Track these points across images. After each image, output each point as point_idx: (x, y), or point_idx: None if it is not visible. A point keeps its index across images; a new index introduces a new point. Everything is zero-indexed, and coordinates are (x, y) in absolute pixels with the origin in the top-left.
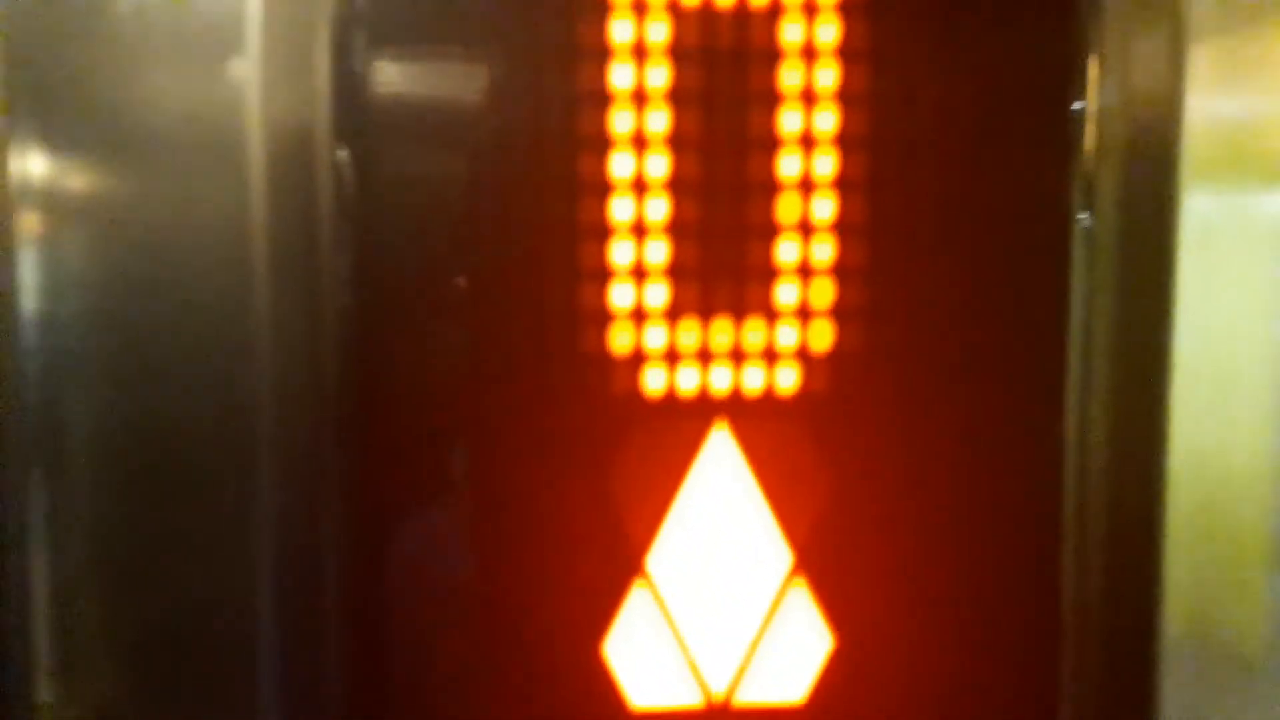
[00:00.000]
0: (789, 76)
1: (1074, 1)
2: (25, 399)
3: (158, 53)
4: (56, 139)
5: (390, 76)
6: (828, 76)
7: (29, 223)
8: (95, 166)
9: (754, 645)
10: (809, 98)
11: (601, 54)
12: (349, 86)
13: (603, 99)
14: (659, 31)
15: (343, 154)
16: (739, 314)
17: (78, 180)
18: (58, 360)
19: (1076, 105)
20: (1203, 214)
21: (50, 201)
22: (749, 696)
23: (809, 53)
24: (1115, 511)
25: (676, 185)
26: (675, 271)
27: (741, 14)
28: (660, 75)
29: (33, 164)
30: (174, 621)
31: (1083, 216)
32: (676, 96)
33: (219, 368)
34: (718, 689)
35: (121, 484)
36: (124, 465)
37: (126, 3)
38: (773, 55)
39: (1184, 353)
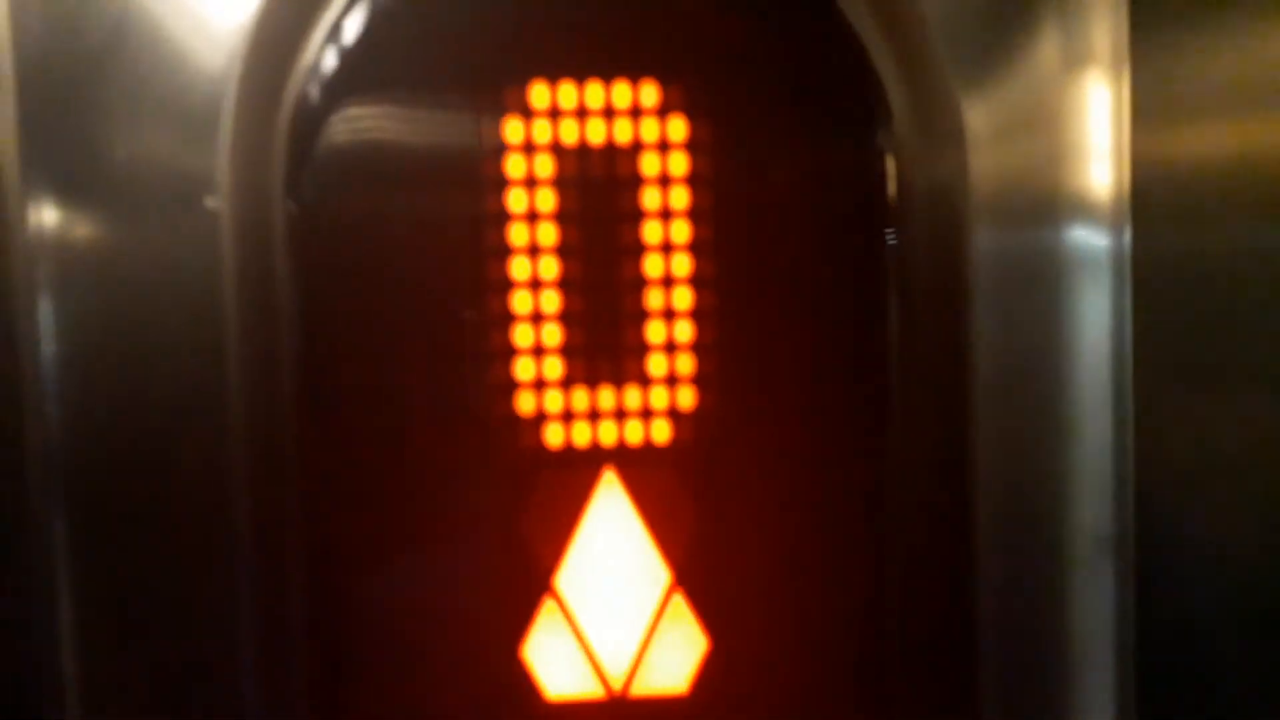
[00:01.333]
0: (649, 198)
1: (872, 114)
2: (47, 434)
3: (150, 116)
4: (65, 191)
5: (335, 143)
6: (680, 197)
7: (43, 268)
8: (96, 216)
9: (644, 645)
10: (666, 214)
11: (500, 183)
12: (300, 148)
13: (502, 218)
14: (545, 165)
15: (291, 206)
16: (619, 382)
17: (83, 229)
18: (65, 394)
19: (882, 213)
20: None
21: (60, 248)
22: (641, 687)
23: (664, 179)
24: (932, 519)
25: (565, 284)
26: (567, 350)
27: (610, 150)
28: (548, 198)
29: (46, 214)
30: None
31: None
32: (562, 215)
33: (198, 397)
34: (616, 682)
35: (101, 519)
36: (106, 495)
37: (124, 71)
38: (636, 181)
39: (989, 370)
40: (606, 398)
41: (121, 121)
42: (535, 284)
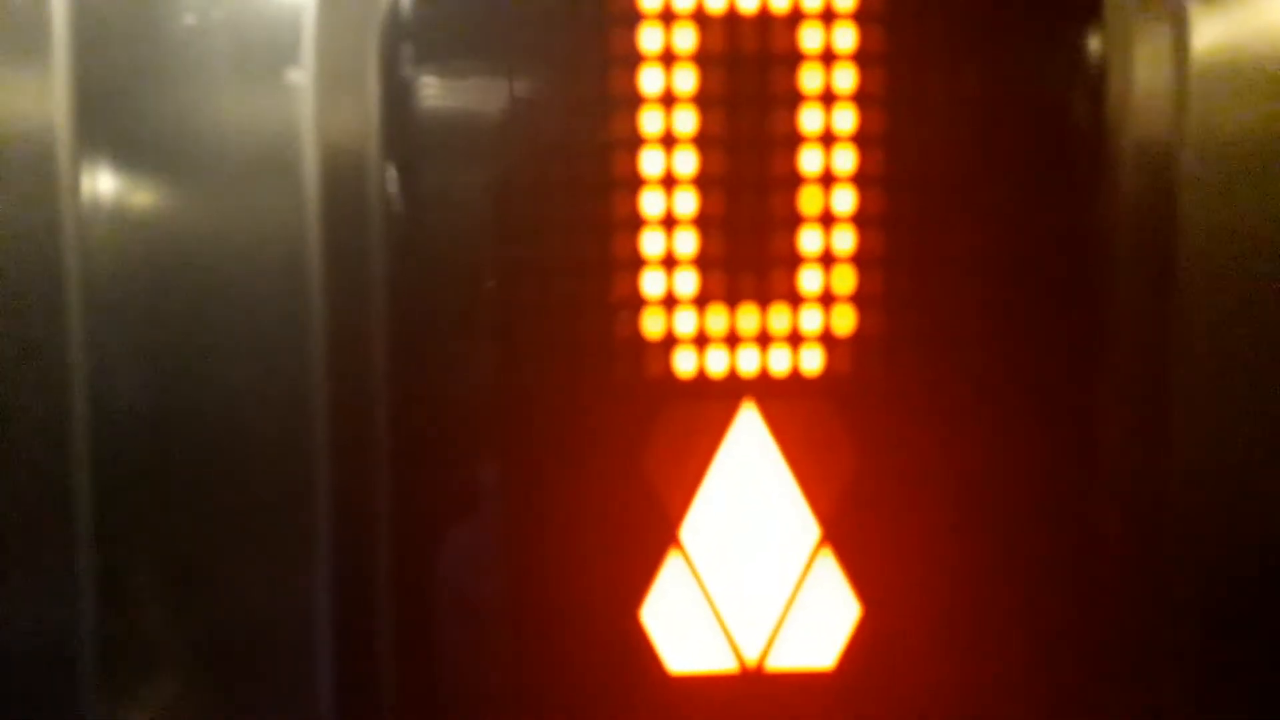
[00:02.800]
0: (809, 78)
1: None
2: (91, 404)
3: (219, 70)
4: (123, 154)
5: (434, 91)
6: (845, 79)
7: (98, 234)
8: (159, 180)
9: (784, 613)
10: (828, 98)
11: (633, 60)
12: (397, 103)
13: (634, 101)
14: (686, 38)
15: (391, 169)
16: (764, 300)
17: (143, 194)
18: (122, 366)
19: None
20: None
21: (118, 214)
22: (780, 661)
23: (827, 56)
24: (1131, 488)
25: (703, 181)
26: (703, 261)
27: (763, 20)
28: (688, 79)
29: (101, 179)
30: (232, 626)
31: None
32: (702, 99)
33: (277, 375)
34: (750, 654)
35: (179, 490)
36: (184, 471)
37: (189, 21)
38: (793, 58)
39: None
40: (748, 318)
41: (186, 77)
42: (668, 181)
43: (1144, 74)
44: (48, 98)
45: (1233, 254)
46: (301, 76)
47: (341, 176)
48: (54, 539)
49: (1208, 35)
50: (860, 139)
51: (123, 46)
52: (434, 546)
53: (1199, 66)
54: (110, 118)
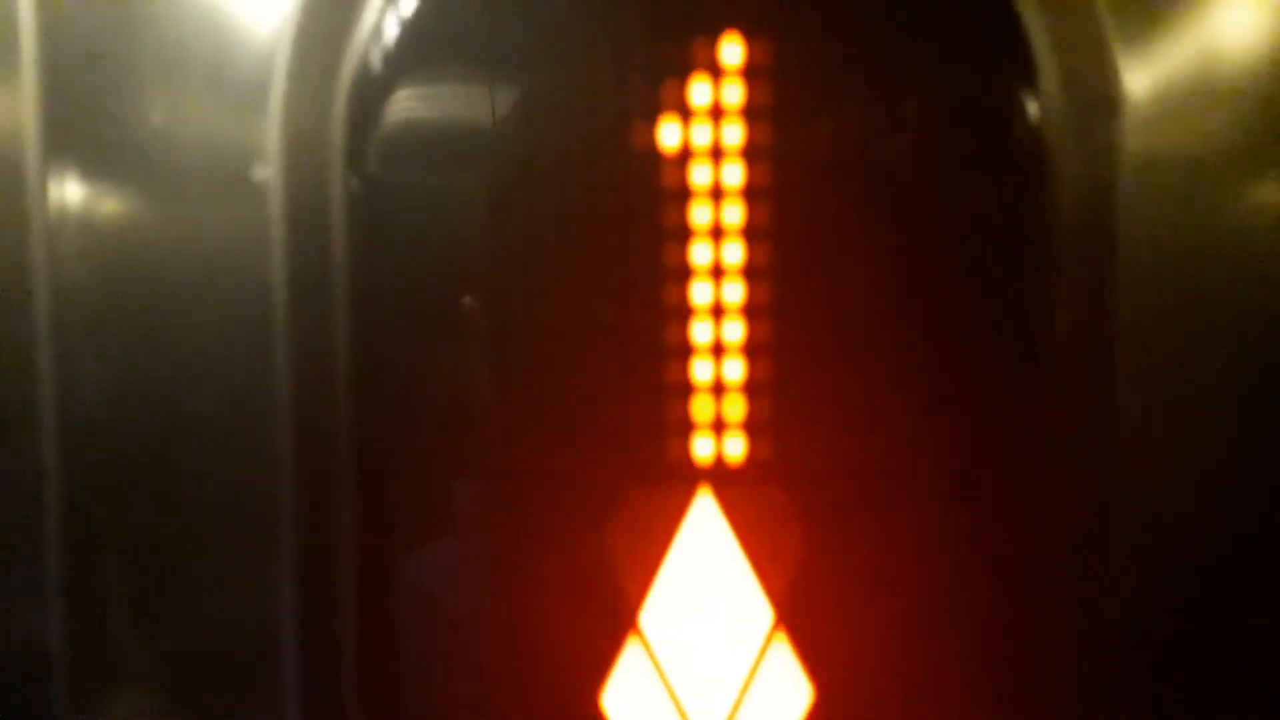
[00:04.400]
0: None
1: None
2: (59, 412)
3: (186, 81)
4: (91, 165)
5: (401, 105)
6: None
7: (66, 244)
8: (126, 191)
9: (740, 697)
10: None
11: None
12: (362, 118)
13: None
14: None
15: (355, 181)
16: (718, 390)
17: (110, 204)
18: (90, 375)
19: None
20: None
21: (86, 224)
22: None
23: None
24: (1079, 552)
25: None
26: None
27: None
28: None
29: (69, 189)
30: (199, 635)
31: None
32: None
33: (242, 385)
34: None
35: (146, 498)
36: (151, 479)
37: (156, 28)
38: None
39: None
40: (703, 407)
41: (158, 90)
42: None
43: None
44: (16, 109)
45: (1171, 271)
46: (270, 97)
47: (306, 187)
48: (23, 547)
49: (1140, 69)
50: (749, 232)
51: (91, 60)
52: (396, 571)
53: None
54: (78, 130)
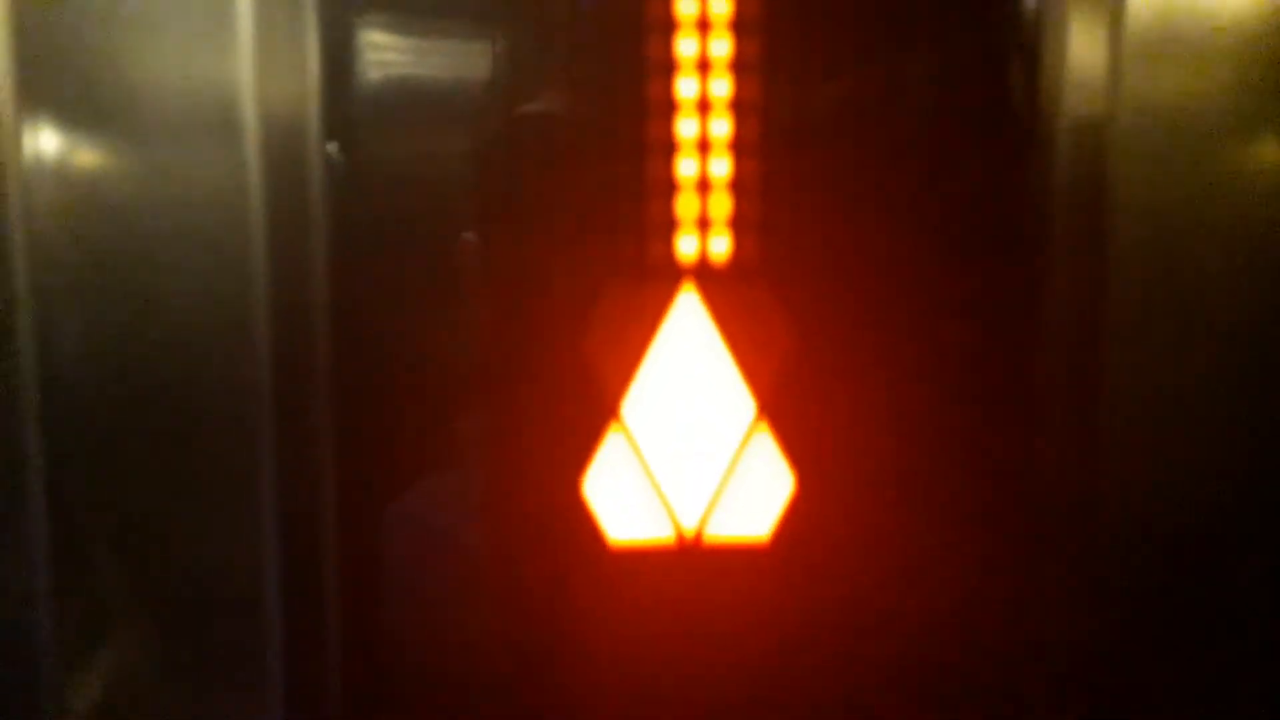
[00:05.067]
0: None
1: None
2: (39, 367)
3: (160, 36)
4: (66, 118)
5: (373, 53)
6: None
7: (42, 196)
8: (102, 141)
9: (721, 485)
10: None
11: None
12: (337, 75)
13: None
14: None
15: (332, 145)
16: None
17: (85, 158)
18: (69, 329)
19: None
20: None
21: (60, 179)
22: (717, 532)
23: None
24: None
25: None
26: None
27: None
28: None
29: (44, 140)
30: (183, 592)
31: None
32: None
33: (220, 338)
34: (689, 525)
35: (128, 454)
36: (132, 434)
37: None
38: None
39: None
40: (688, 205)
41: (131, 38)
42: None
43: (1078, 51)
44: None
45: (1165, 229)
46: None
47: (282, 137)
48: (5, 504)
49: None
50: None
51: (62, 8)
52: (379, 415)
53: (1133, 43)
54: (51, 80)
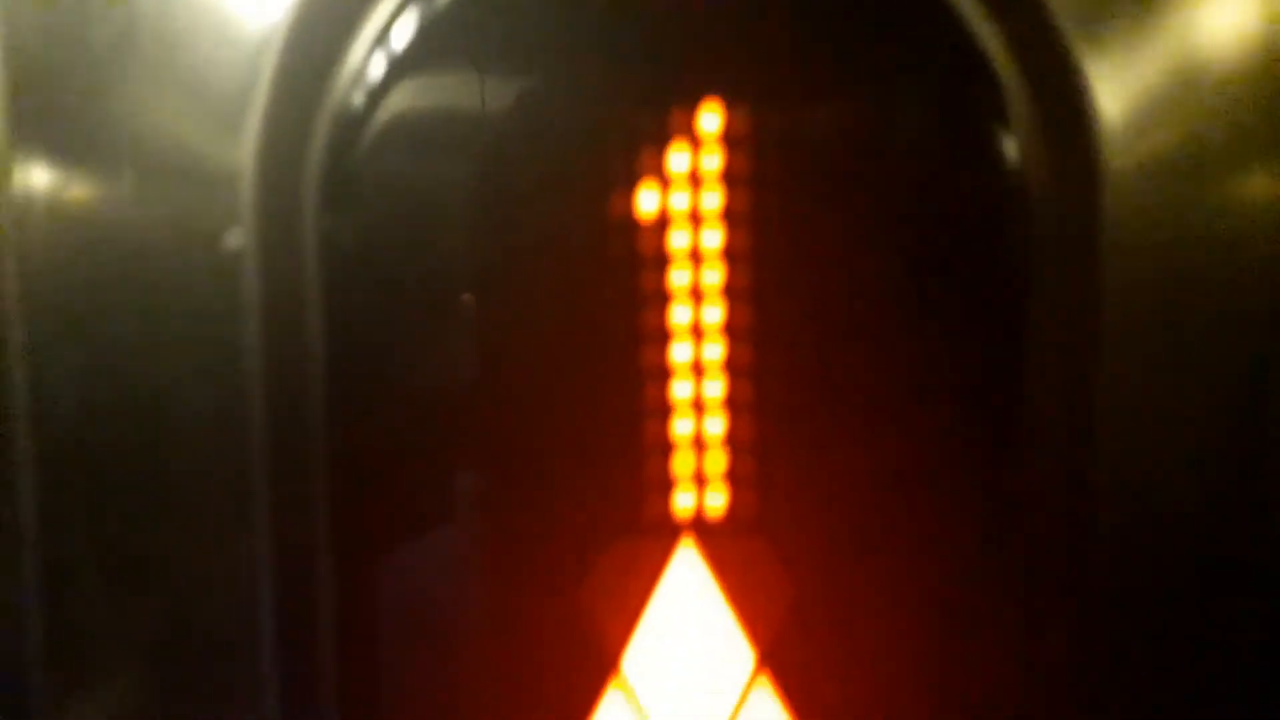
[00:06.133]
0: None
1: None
2: (32, 399)
3: (151, 69)
4: (58, 156)
5: (380, 138)
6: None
7: (34, 230)
8: (93, 177)
9: None
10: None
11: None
12: (341, 149)
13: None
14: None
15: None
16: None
17: (78, 190)
18: (62, 361)
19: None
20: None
21: (53, 210)
22: None
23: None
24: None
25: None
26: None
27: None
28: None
29: (35, 175)
30: (177, 623)
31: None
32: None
33: (212, 374)
34: None
35: (121, 484)
36: (124, 465)
37: (122, 19)
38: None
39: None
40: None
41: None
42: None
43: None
44: None
45: (1158, 272)
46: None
47: (280, 200)
48: None
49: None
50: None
51: (56, 45)
52: (378, 606)
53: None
54: (44, 116)
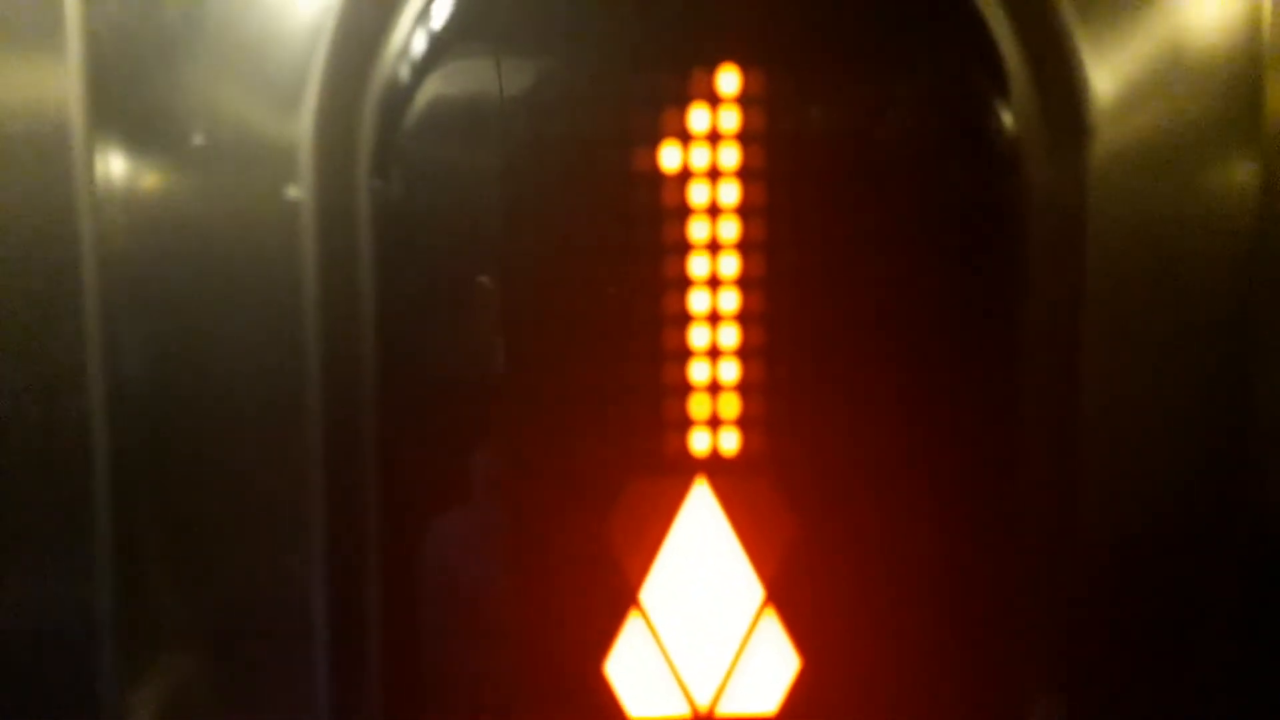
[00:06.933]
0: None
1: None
2: (107, 387)
3: (225, 58)
4: (135, 145)
5: (432, 89)
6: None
7: (112, 217)
8: (167, 163)
9: (732, 665)
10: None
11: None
12: (388, 126)
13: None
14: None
15: (377, 185)
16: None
17: (153, 177)
18: (136, 350)
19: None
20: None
21: (130, 197)
22: (729, 709)
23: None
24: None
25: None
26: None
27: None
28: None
29: (113, 163)
30: (235, 611)
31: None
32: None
33: (273, 361)
34: (702, 702)
35: (188, 473)
36: (191, 454)
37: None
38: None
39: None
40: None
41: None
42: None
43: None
44: (62, 82)
45: (1141, 261)
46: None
47: (335, 168)
48: (71, 515)
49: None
50: (743, 247)
51: (133, 32)
52: (421, 548)
53: (1104, 69)
54: (121, 103)
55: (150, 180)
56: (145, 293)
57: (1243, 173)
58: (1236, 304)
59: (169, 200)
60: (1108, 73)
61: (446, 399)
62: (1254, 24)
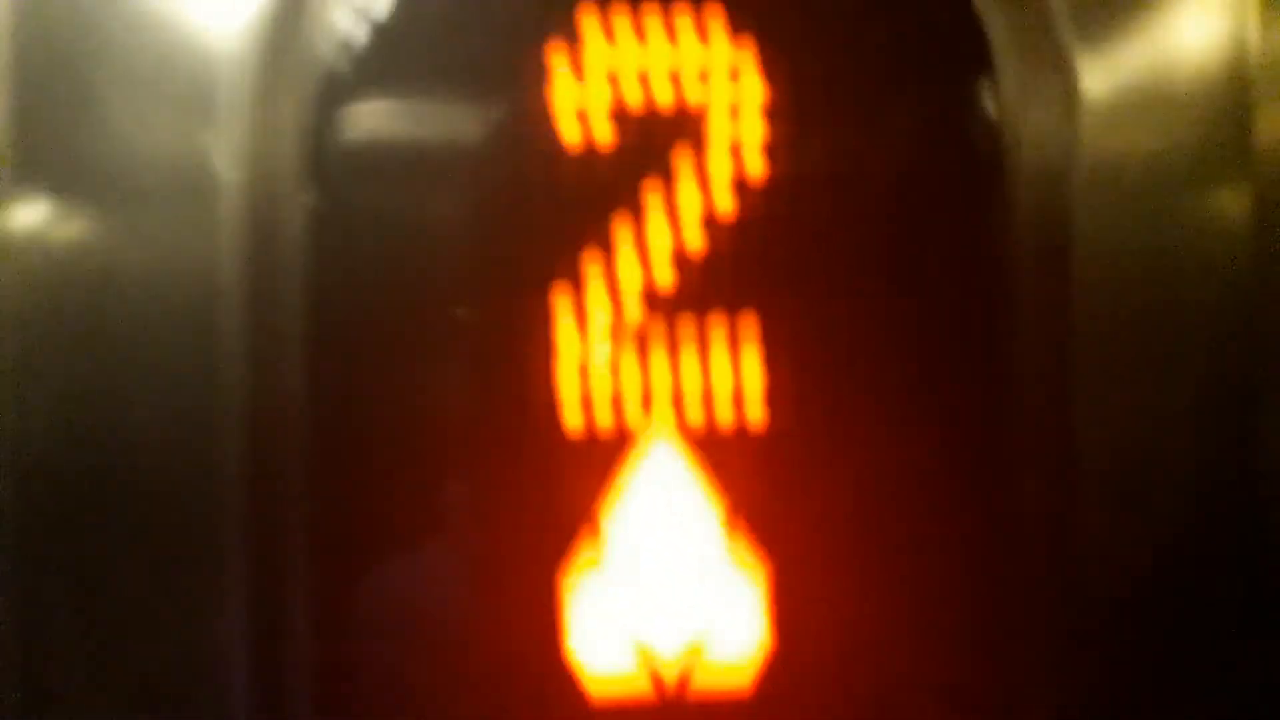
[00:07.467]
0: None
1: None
2: (14, 441)
3: (141, 104)
4: (53, 188)
5: (360, 125)
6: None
7: (30, 265)
8: (87, 211)
9: (702, 641)
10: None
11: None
12: (315, 135)
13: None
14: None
15: (308, 197)
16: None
17: (70, 226)
18: (47, 404)
19: None
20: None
21: (46, 246)
22: (698, 688)
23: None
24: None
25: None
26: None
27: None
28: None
29: (34, 212)
30: (153, 672)
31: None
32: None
33: (191, 412)
34: (670, 678)
35: (99, 524)
36: (103, 506)
37: (122, 56)
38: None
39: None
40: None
41: (116, 108)
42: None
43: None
44: None
45: (1129, 284)
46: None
47: (261, 204)
48: None
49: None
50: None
51: (59, 80)
52: (349, 582)
53: (1090, 101)
54: (44, 149)
55: (70, 226)
56: (55, 350)
57: (1233, 195)
58: (1230, 322)
59: (87, 247)
60: (1099, 95)
61: (378, 441)
62: (1241, 49)
